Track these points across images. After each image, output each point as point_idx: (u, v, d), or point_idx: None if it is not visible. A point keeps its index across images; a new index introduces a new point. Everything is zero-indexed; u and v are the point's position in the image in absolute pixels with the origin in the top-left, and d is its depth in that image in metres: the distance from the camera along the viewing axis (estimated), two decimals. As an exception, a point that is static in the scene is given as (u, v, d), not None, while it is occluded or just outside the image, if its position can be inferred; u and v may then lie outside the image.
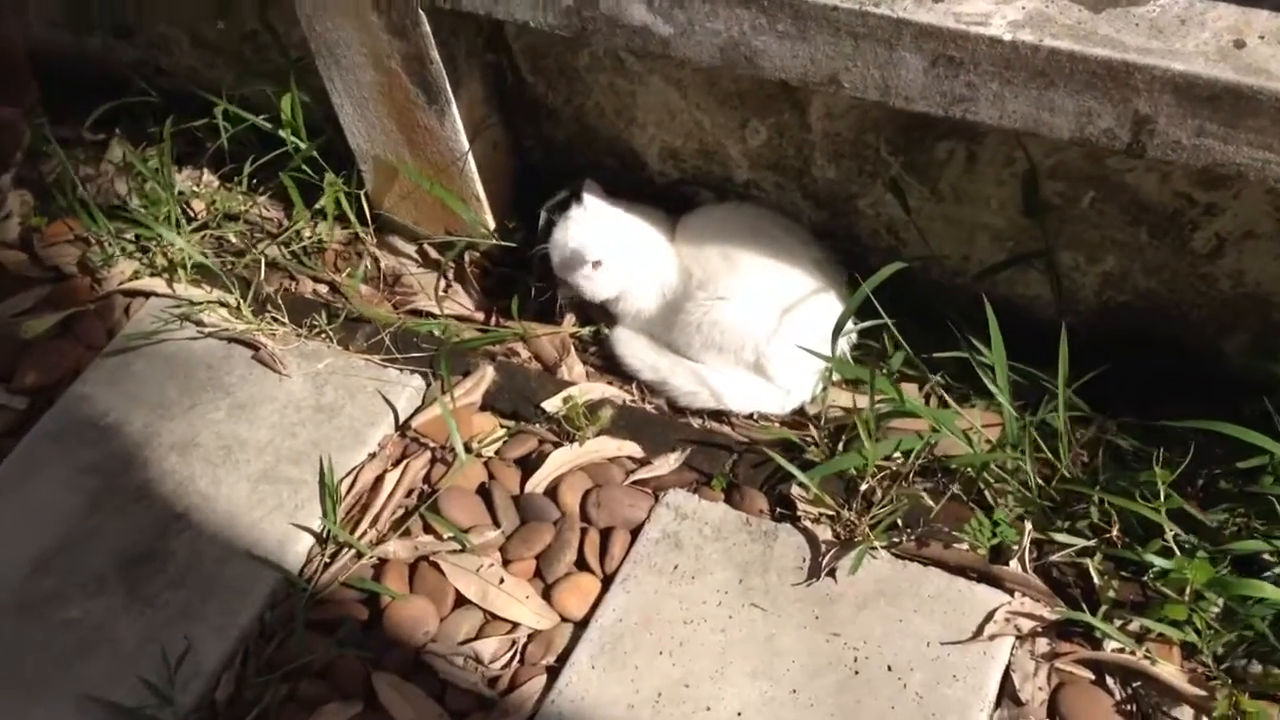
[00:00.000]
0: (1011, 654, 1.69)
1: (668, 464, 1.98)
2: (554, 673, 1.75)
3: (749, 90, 2.06)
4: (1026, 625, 1.71)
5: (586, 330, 2.26)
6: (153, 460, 2.00)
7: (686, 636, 1.75)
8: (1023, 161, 1.88)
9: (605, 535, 1.89)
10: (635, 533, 1.89)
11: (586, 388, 2.11)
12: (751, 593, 1.79)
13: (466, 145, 2.22)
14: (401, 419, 2.06)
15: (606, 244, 2.08)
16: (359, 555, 1.89)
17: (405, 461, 1.99)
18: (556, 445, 2.01)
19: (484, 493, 1.96)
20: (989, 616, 1.72)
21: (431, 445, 2.03)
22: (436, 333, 2.20)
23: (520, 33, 2.20)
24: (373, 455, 2.01)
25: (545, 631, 1.80)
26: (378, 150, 2.32)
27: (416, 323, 2.22)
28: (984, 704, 1.64)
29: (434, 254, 2.43)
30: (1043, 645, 1.70)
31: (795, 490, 1.90)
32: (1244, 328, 1.96)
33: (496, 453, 2.01)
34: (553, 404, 2.07)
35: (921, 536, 1.81)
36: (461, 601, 1.84)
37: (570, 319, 2.30)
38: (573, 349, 2.24)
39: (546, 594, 1.84)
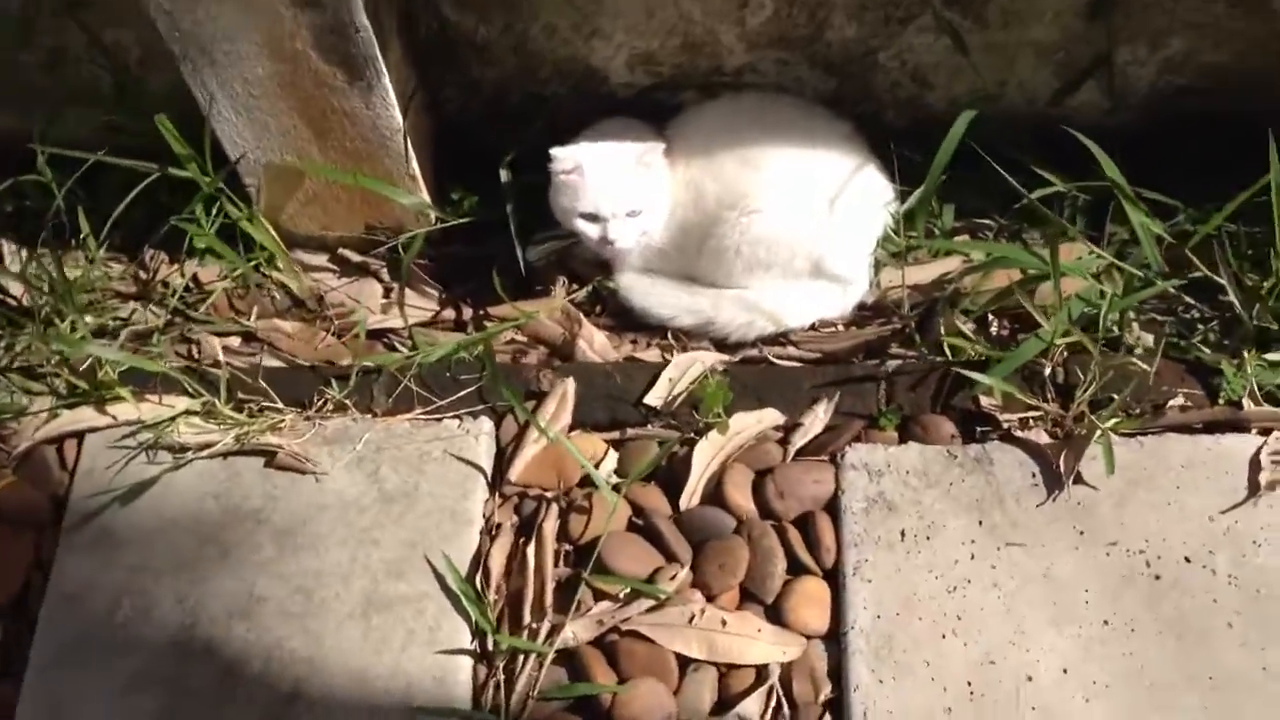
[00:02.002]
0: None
1: (818, 419, 1.69)
2: (835, 705, 1.49)
3: (751, -40, 1.73)
4: (1293, 459, 1.57)
5: (583, 292, 1.91)
6: (215, 640, 1.53)
7: (960, 607, 1.52)
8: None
9: (803, 525, 1.60)
10: (832, 510, 1.61)
11: (682, 361, 1.77)
12: (999, 531, 1.56)
13: (400, 120, 1.78)
14: (491, 475, 1.67)
15: (637, 186, 1.73)
16: (539, 658, 1.52)
17: (532, 525, 1.61)
18: (686, 443, 1.68)
19: (642, 528, 1.62)
20: (1254, 465, 1.57)
21: (547, 494, 1.65)
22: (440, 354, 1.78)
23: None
24: (488, 531, 1.62)
25: (798, 662, 1.51)
26: (272, 156, 1.84)
27: (383, 357, 1.79)
28: (1300, 559, 1.51)
29: (355, 257, 1.98)
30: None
31: (985, 400, 1.66)
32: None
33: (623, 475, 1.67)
34: (657, 395, 1.72)
35: (1147, 406, 1.62)
36: (688, 664, 1.52)
37: (562, 283, 1.94)
38: (584, 318, 1.88)
39: (775, 617, 1.55)
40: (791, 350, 1.86)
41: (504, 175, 1.91)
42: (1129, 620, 1.49)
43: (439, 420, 1.71)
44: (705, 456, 1.66)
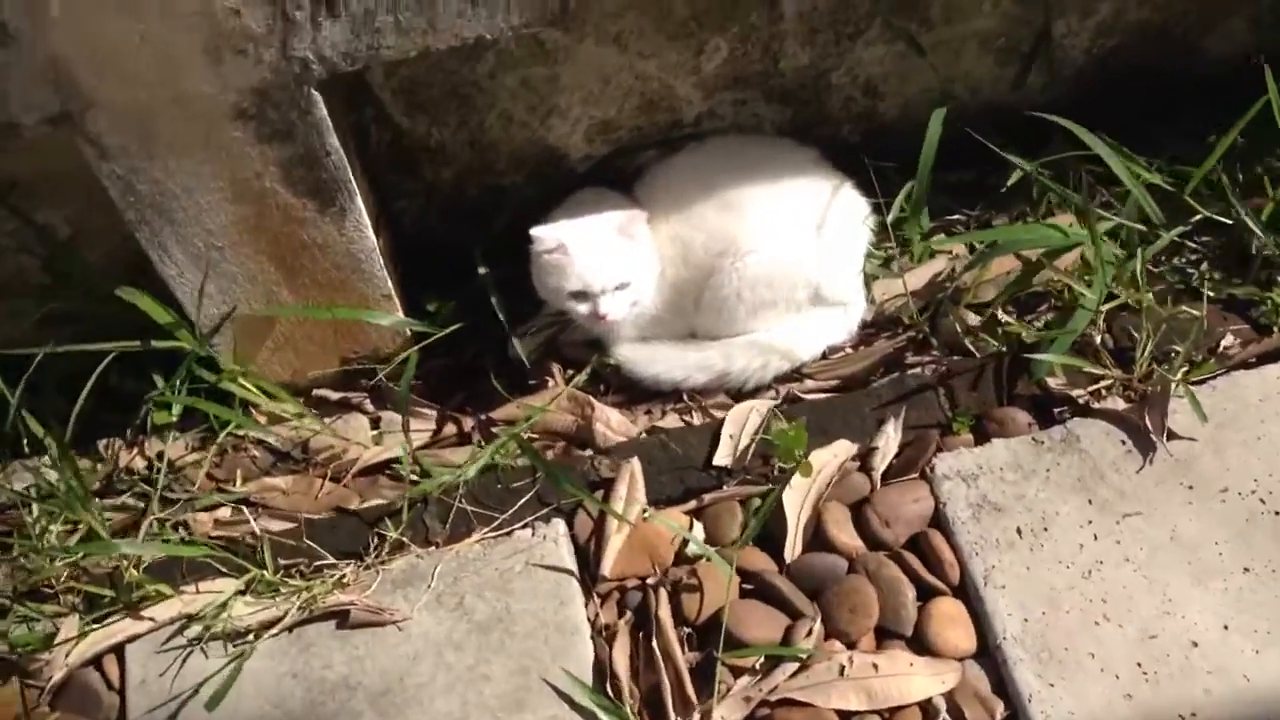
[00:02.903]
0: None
1: (891, 439, 1.64)
2: (1012, 720, 1.42)
3: (707, 8, 1.70)
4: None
5: (583, 375, 1.82)
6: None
7: (1102, 590, 1.47)
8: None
9: (916, 548, 1.54)
10: (940, 525, 1.55)
11: (738, 415, 1.70)
12: (1111, 505, 1.53)
13: (374, 240, 1.69)
14: (581, 576, 1.56)
15: (623, 257, 1.66)
16: (698, 753, 1.41)
17: (644, 617, 1.50)
18: (765, 495, 1.60)
19: (755, 591, 1.53)
20: (1329, 381, 1.59)
21: (648, 581, 1.55)
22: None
23: (393, 71, 1.67)
24: (599, 634, 1.50)
25: (959, 687, 1.44)
26: (240, 307, 1.71)
27: (430, 483, 1.66)
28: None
29: (334, 395, 1.86)
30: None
31: (1052, 382, 1.64)
32: (1239, 13, 1.93)
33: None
34: (724, 454, 1.65)
35: (1204, 351, 1.63)
36: (849, 718, 1.44)
37: (558, 370, 1.85)
38: (594, 400, 1.79)
39: (920, 647, 1.48)
40: (810, 384, 1.81)
41: (481, 269, 1.83)
42: (1268, 562, 1.47)
43: (508, 534, 1.59)
44: (796, 503, 1.59)
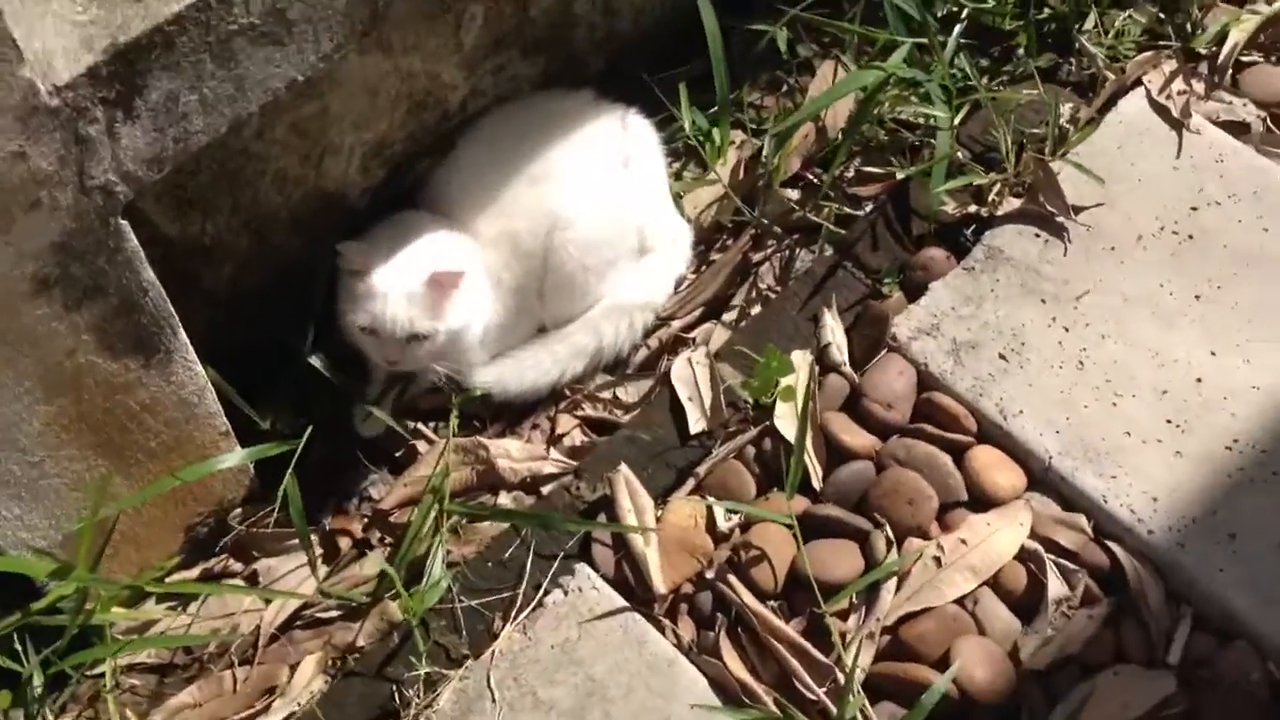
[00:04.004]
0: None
1: (835, 329, 1.58)
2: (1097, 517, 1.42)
3: (459, -28, 1.54)
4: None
5: (454, 420, 1.62)
6: None
7: (1103, 373, 1.50)
8: None
9: (925, 416, 1.50)
10: (933, 385, 1.52)
11: (680, 375, 1.58)
12: (1063, 295, 1.56)
13: (203, 374, 1.43)
14: (638, 605, 1.39)
15: (425, 311, 1.49)
16: (863, 712, 1.31)
17: (727, 613, 1.37)
18: (760, 437, 1.50)
19: (813, 532, 1.42)
20: (1164, 112, 1.69)
21: (707, 575, 1.40)
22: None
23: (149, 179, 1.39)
24: (689, 652, 1.35)
25: (1037, 521, 1.42)
26: (69, 524, 1.39)
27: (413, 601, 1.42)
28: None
29: (192, 574, 1.57)
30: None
31: (945, 211, 1.64)
32: None
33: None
34: (697, 420, 1.53)
35: (1054, 128, 1.67)
36: (964, 601, 1.38)
37: (424, 429, 1.66)
38: (482, 439, 1.62)
39: (983, 504, 1.44)
40: (677, 323, 1.72)
41: (316, 361, 1.59)
42: (1209, 280, 1.55)
43: (540, 606, 1.39)
44: (793, 430, 1.49)
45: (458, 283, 1.48)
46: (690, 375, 1.57)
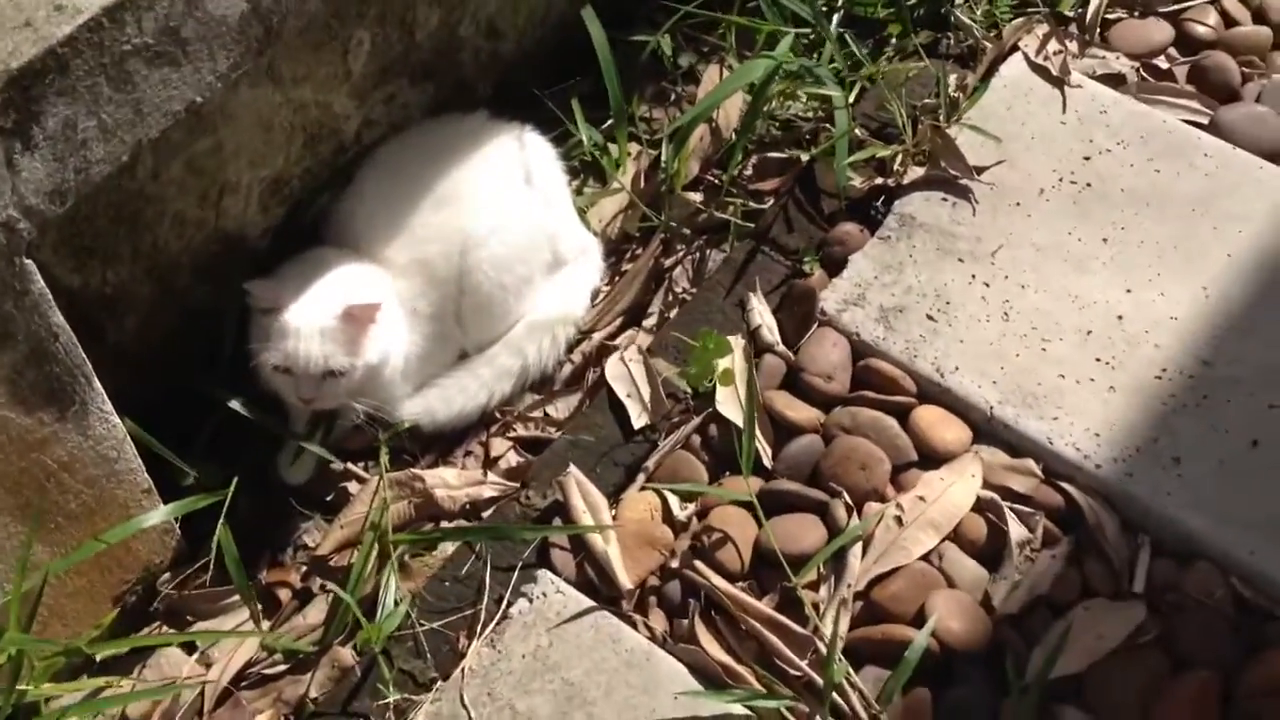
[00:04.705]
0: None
1: (763, 311, 1.58)
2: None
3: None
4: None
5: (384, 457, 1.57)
6: None
7: (1026, 322, 1.53)
8: None
9: (863, 383, 1.51)
10: (868, 352, 1.52)
11: (614, 373, 1.55)
12: (977, 252, 1.59)
13: (120, 425, 1.37)
14: (606, 604, 1.35)
15: (341, 346, 1.44)
16: (850, 681, 1.28)
17: (697, 599, 1.34)
18: (710, 420, 1.49)
19: (772, 509, 1.41)
20: (1044, 71, 1.74)
21: (672, 564, 1.37)
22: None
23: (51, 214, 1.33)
24: (668, 640, 1.31)
25: (988, 471, 1.43)
26: None
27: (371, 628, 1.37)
28: None
29: (122, 650, 1.48)
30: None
31: (852, 186, 1.65)
32: None
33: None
34: (638, 415, 1.50)
35: (943, 91, 1.71)
36: (930, 557, 1.38)
37: (354, 467, 1.62)
38: (418, 471, 1.58)
39: (934, 461, 1.45)
40: (599, 334, 1.71)
41: (236, 404, 1.52)
42: (1113, 223, 1.60)
43: (505, 619, 1.34)
44: (739, 411, 1.48)
45: (374, 316, 1.43)
46: (625, 373, 1.55)
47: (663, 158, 1.78)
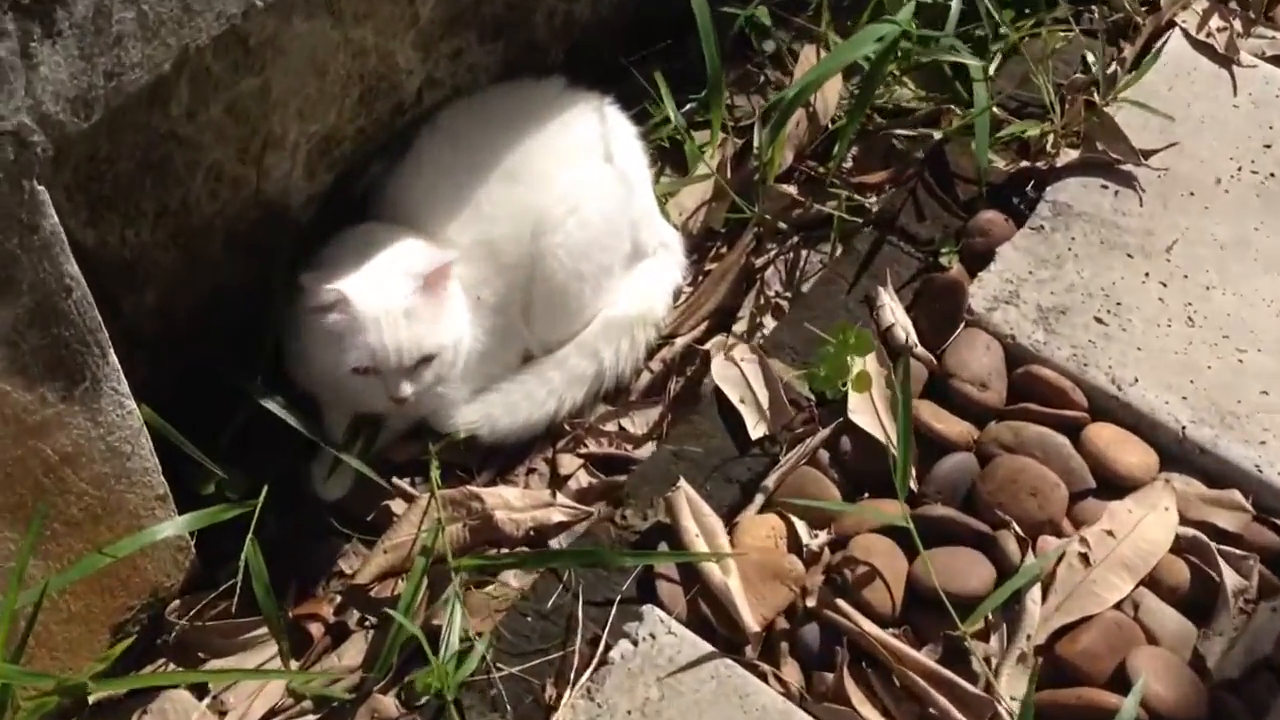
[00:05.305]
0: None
1: (895, 308, 1.33)
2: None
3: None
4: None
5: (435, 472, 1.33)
6: None
7: (1215, 329, 1.30)
8: None
9: (1025, 393, 1.26)
10: (1027, 358, 1.27)
11: (725, 376, 1.30)
12: (1148, 247, 1.36)
13: (138, 411, 1.11)
14: (728, 645, 1.08)
15: (427, 323, 1.21)
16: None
17: (840, 640, 1.08)
18: (840, 431, 1.23)
19: (925, 539, 1.15)
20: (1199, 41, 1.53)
21: (808, 604, 1.11)
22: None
23: (68, 150, 1.06)
24: (805, 698, 1.04)
25: (1182, 503, 1.18)
26: None
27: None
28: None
29: (120, 691, 1.22)
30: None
31: (996, 169, 1.42)
32: None
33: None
34: (757, 424, 1.25)
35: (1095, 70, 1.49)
36: (1123, 606, 1.12)
37: (401, 483, 1.36)
38: (474, 489, 1.32)
39: (1115, 490, 1.19)
40: (682, 339, 1.46)
41: (273, 405, 1.26)
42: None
43: (604, 664, 1.07)
44: (876, 422, 1.23)
45: (449, 273, 1.19)
46: (737, 374, 1.30)
47: (755, 144, 1.55)
